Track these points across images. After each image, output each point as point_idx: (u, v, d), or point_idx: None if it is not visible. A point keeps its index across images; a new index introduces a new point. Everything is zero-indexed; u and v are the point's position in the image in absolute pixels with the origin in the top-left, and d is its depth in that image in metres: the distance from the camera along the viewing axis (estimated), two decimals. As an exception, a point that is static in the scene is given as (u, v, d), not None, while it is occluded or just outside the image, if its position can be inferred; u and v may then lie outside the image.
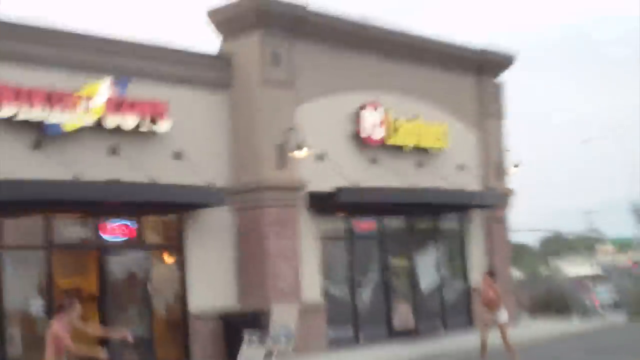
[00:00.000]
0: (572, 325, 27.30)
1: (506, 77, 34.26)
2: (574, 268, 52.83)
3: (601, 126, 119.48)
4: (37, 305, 17.94)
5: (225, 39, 21.77)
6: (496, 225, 27.40)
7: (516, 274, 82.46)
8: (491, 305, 18.53)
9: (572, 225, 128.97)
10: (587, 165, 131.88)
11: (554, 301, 31.08)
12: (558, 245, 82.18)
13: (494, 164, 27.43)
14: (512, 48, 58.16)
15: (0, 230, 17.40)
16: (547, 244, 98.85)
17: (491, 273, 19.26)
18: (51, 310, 17.88)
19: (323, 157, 22.27)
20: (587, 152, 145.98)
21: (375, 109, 23.46)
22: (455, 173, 25.99)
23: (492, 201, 26.41)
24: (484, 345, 18.49)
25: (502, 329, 18.40)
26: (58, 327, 12.07)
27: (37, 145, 17.76)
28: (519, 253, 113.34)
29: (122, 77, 18.81)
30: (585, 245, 75.72)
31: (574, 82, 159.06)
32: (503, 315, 18.50)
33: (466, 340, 22.49)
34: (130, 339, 13.40)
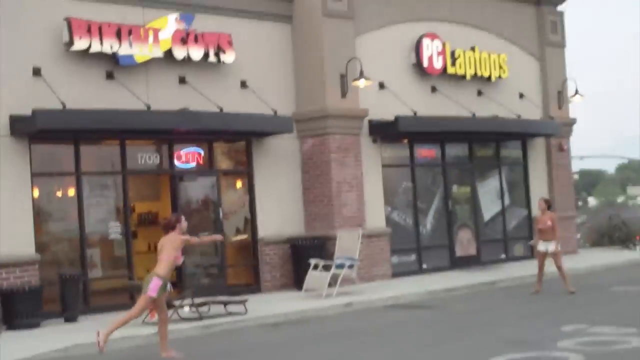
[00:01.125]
0: (633, 255, 27.38)
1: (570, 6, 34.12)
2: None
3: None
4: (114, 228, 18.88)
5: (287, -27, 22.28)
6: (558, 153, 27.71)
7: (591, 201, 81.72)
8: (544, 234, 18.83)
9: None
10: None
11: (617, 231, 31.08)
12: (635, 172, 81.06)
13: (555, 92, 27.67)
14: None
15: (78, 158, 18.26)
16: (623, 171, 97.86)
17: (547, 202, 19.31)
18: (128, 232, 18.96)
19: (384, 86, 22.80)
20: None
21: (433, 40, 23.86)
22: (516, 102, 26.28)
23: (552, 130, 26.69)
24: (540, 273, 18.93)
25: (555, 257, 18.72)
26: (178, 236, 12.63)
27: (110, 75, 18.58)
28: (596, 179, 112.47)
29: (187, 13, 19.56)
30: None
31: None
32: (555, 245, 18.72)
33: (527, 267, 22.93)
34: (221, 238, 14.36)
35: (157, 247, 12.84)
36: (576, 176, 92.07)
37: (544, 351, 11.56)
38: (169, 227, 12.68)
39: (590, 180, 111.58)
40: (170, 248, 12.45)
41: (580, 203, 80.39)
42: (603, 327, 13.31)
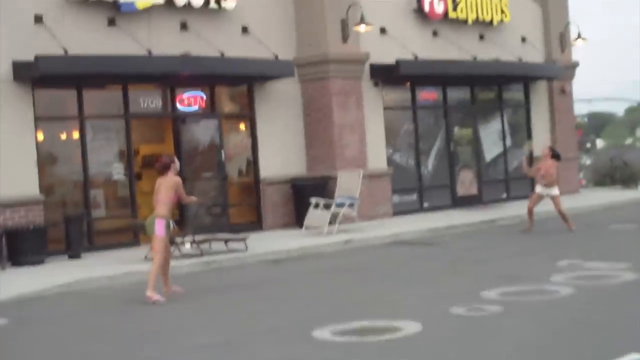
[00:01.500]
0: (633, 194, 27.63)
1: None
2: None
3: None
4: (117, 169, 19.21)
5: None
6: (560, 96, 27.85)
7: (600, 143, 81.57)
8: (548, 182, 19.02)
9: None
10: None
11: (618, 171, 31.28)
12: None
13: (557, 36, 27.71)
14: None
15: (82, 102, 18.50)
16: (632, 114, 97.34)
17: (555, 153, 19.50)
18: (131, 173, 19.28)
19: (385, 31, 22.91)
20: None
21: (434, -17, 23.94)
22: (518, 45, 26.38)
23: (554, 73, 26.80)
24: (530, 213, 19.17)
25: (555, 200, 18.98)
26: (175, 178, 12.79)
27: (112, 22, 18.74)
28: (605, 122, 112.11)
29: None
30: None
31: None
32: (555, 190, 19.01)
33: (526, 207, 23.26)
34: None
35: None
36: (585, 119, 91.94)
37: (537, 284, 11.85)
38: (163, 169, 12.90)
39: (600, 123, 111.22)
40: (166, 189, 12.70)
41: (588, 145, 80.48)
42: (597, 263, 13.60)
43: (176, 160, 13.16)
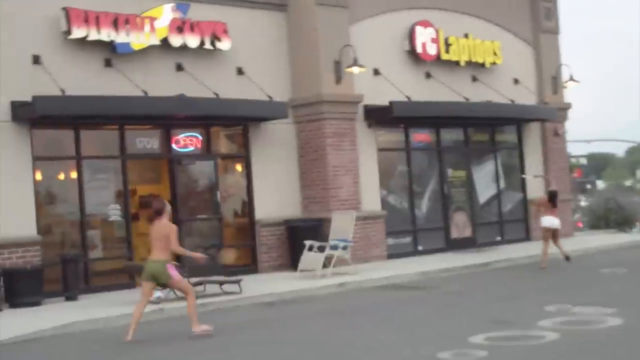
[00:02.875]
0: (627, 238, 27.79)
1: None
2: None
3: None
4: (114, 211, 19.37)
5: (281, -39, 22.66)
6: (553, 138, 28.12)
7: (600, 184, 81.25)
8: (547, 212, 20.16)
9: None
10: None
11: (613, 214, 31.44)
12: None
13: (549, 78, 28.04)
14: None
15: (79, 142, 18.73)
16: (632, 154, 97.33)
17: (552, 197, 20.49)
18: (127, 214, 19.45)
19: (379, 72, 23.21)
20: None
21: (426, 27, 24.26)
22: (510, 88, 26.69)
23: (547, 114, 27.12)
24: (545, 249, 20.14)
25: (556, 233, 20.16)
26: (169, 225, 12.96)
27: (108, 63, 19.03)
28: (605, 163, 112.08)
29: (183, 3, 20.05)
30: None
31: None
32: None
33: (520, 250, 23.64)
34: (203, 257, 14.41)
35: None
36: (584, 160, 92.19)
37: (524, 330, 11.97)
38: (156, 214, 13.08)
39: (601, 164, 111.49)
40: (163, 237, 12.87)
41: (588, 186, 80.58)
42: (585, 308, 13.71)
43: (167, 204, 13.32)
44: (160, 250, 12.89)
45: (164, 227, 12.92)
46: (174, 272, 12.91)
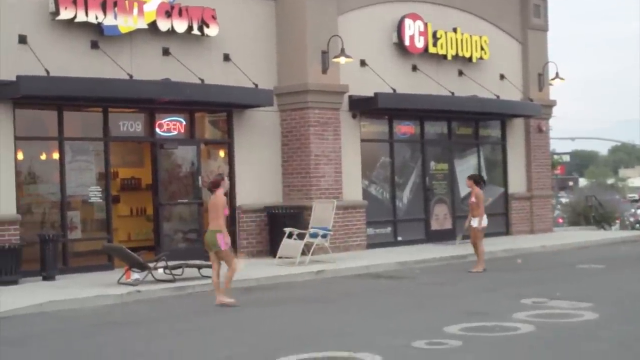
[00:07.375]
0: (606, 234, 27.96)
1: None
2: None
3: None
4: (95, 192, 19.37)
5: (272, -50, 22.66)
6: (536, 134, 28.27)
7: (583, 182, 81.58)
8: (472, 211, 19.08)
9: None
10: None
11: (593, 211, 31.68)
12: (628, 154, 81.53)
13: (535, 75, 28.16)
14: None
15: (62, 123, 18.70)
16: (615, 153, 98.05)
17: (474, 178, 19.43)
18: (108, 196, 19.45)
19: (365, 64, 23.27)
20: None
21: (415, 20, 24.31)
22: (496, 83, 26.83)
23: (531, 111, 27.24)
24: (475, 252, 19.28)
25: (473, 232, 19.08)
26: (220, 197, 14.04)
27: (95, 45, 19.01)
28: (588, 161, 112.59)
29: (172, -12, 20.05)
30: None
31: None
32: (478, 221, 18.90)
33: (499, 243, 23.67)
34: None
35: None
36: (566, 157, 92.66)
37: (498, 321, 12.07)
38: (215, 186, 14.13)
39: (584, 162, 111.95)
40: (218, 207, 13.96)
41: (570, 183, 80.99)
42: (560, 302, 13.83)
43: (226, 179, 14.43)
44: (213, 221, 14.08)
45: (219, 199, 14.00)
46: (221, 242, 13.88)
